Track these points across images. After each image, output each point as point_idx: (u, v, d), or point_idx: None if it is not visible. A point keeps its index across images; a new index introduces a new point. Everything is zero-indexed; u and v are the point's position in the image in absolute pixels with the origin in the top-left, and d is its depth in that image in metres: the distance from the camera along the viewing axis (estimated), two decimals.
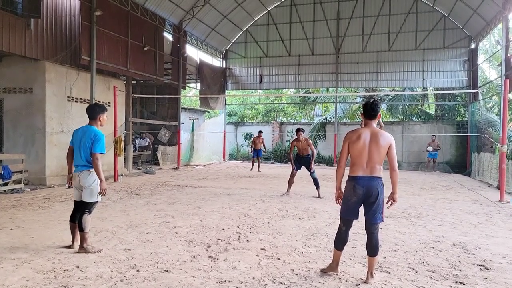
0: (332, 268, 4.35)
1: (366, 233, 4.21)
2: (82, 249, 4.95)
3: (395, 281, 4.18)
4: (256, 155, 17.44)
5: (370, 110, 4.16)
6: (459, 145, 20.25)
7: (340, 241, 4.28)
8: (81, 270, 4.33)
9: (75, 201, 5.24)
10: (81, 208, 5.08)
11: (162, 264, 4.56)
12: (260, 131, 18.17)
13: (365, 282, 4.09)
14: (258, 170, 16.90)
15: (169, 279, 4.10)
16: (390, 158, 4.10)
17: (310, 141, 10.21)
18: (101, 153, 5.05)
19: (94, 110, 5.20)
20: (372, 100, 4.23)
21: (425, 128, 21.14)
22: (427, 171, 18.64)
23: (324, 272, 4.36)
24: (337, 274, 4.29)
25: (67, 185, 11.35)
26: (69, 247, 5.17)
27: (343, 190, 4.29)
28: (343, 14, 21.73)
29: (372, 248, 4.11)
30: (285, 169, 18.30)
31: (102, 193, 5.07)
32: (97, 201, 5.13)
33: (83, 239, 4.98)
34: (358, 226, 6.57)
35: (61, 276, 4.14)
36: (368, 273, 4.15)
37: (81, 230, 4.97)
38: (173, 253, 5.01)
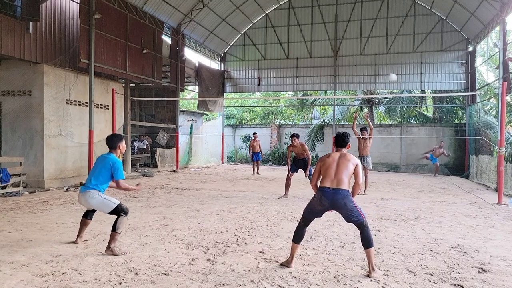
0: (288, 262, 4.67)
1: (358, 230, 4.57)
2: (109, 250, 4.98)
3: (394, 283, 4.19)
4: (256, 158, 17.25)
5: (341, 140, 4.76)
6: (457, 148, 20.28)
7: (298, 235, 4.69)
8: (79, 273, 4.33)
9: None
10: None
11: (160, 267, 4.56)
12: (255, 133, 17.94)
13: (368, 276, 4.38)
14: (258, 173, 16.83)
15: (168, 282, 4.10)
16: (355, 174, 4.56)
17: (306, 146, 10.33)
18: (122, 179, 5.30)
19: (113, 141, 5.42)
20: (342, 132, 4.84)
21: (423, 131, 21.18)
22: (427, 174, 18.20)
23: (282, 265, 4.68)
24: (289, 267, 4.58)
25: (65, 188, 11.36)
26: (73, 242, 5.40)
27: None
28: (341, 17, 21.79)
29: (365, 241, 4.46)
30: (283, 171, 18.28)
31: (137, 189, 5.50)
32: (119, 203, 5.22)
33: (112, 239, 5.05)
34: (357, 229, 6.59)
35: (60, 280, 4.14)
36: (369, 267, 4.44)
37: (114, 229, 5.07)
38: (172, 256, 5.01)
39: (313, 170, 10.06)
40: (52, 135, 11.99)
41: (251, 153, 17.64)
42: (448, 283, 4.21)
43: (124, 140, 5.52)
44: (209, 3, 18.83)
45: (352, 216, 4.46)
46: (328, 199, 4.46)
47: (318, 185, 4.64)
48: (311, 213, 4.65)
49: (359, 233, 4.52)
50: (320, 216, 4.70)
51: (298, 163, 10.27)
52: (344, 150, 4.72)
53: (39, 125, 11.68)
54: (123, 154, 14.34)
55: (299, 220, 4.83)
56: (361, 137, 11.04)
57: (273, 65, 23.21)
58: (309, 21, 22.37)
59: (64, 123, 12.47)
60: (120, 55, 14.44)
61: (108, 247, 5.00)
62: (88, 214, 5.54)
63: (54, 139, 12.09)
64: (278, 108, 32.45)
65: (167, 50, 18.34)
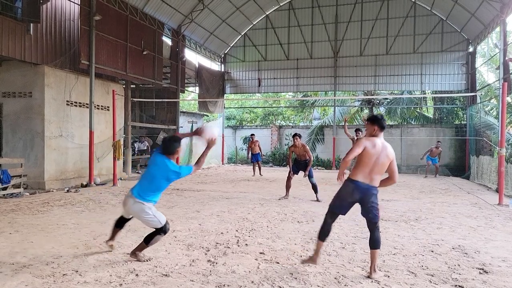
0: (313, 259, 4.68)
1: (368, 230, 4.56)
2: (134, 255, 4.81)
3: (394, 285, 4.18)
4: (256, 159, 17.03)
5: (383, 121, 4.63)
6: (457, 148, 20.27)
7: (324, 232, 4.67)
8: (80, 274, 4.33)
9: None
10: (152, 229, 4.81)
11: (161, 268, 4.56)
12: (252, 134, 17.54)
13: (368, 277, 4.38)
14: (260, 174, 16.68)
15: (168, 283, 4.10)
16: (391, 170, 4.59)
17: (307, 147, 10.23)
18: (194, 167, 4.82)
19: (173, 146, 4.68)
20: (379, 114, 4.77)
21: (423, 132, 21.18)
22: (429, 175, 17.37)
23: (305, 262, 4.73)
24: (315, 266, 4.67)
25: (66, 189, 11.36)
26: (106, 242, 5.23)
27: (346, 174, 4.67)
28: (341, 18, 21.81)
29: (373, 241, 4.46)
30: (284, 172, 18.23)
31: (211, 142, 4.84)
32: (165, 222, 4.79)
33: (140, 247, 4.80)
34: (357, 230, 6.58)
35: (60, 281, 4.14)
36: (371, 268, 4.44)
37: (146, 242, 4.75)
38: (172, 257, 5.01)
39: (313, 171, 10.13)
40: (52, 136, 12.00)
41: (250, 154, 17.43)
42: (449, 284, 4.21)
43: (180, 143, 4.79)
44: (209, 4, 18.86)
45: (370, 213, 4.48)
46: (360, 193, 4.46)
47: (352, 177, 4.52)
48: (339, 206, 4.62)
49: (370, 233, 4.51)
50: (347, 211, 4.63)
51: (299, 164, 10.21)
52: (382, 135, 4.61)
53: (40, 127, 11.69)
54: (123, 155, 14.35)
55: (325, 215, 4.75)
56: (356, 138, 10.96)
57: (274, 66, 23.22)
58: (310, 22, 22.39)
59: (65, 124, 12.48)
60: (120, 57, 14.45)
61: (133, 253, 4.80)
62: (121, 224, 5.11)
63: (55, 140, 12.10)
64: (278, 109, 32.43)
65: (167, 51, 18.36)
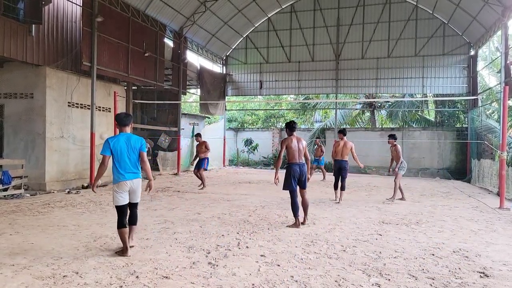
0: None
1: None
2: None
3: None
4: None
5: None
6: (459, 152, 20.24)
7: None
8: (80, 276, 4.33)
9: (122, 205, 5.36)
10: (133, 208, 5.61)
11: (161, 271, 4.55)
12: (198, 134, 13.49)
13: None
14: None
15: (169, 286, 4.10)
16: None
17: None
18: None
19: (128, 118, 5.65)
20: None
21: (425, 135, 21.14)
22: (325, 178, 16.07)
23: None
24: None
25: (67, 190, 11.36)
26: (122, 253, 5.15)
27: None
28: (343, 21, 21.81)
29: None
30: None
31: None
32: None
33: (133, 232, 5.57)
34: (358, 233, 6.58)
35: (60, 282, 4.14)
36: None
37: (136, 223, 5.64)
38: (173, 259, 5.01)
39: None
40: (54, 137, 12.02)
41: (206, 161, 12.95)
42: None
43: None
44: (212, 6, 18.89)
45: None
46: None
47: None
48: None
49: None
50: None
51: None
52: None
53: (41, 128, 11.71)
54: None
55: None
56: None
57: (275, 68, 23.23)
58: (311, 24, 22.41)
59: (66, 126, 12.50)
60: (122, 58, 14.47)
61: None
62: (125, 220, 5.40)
63: (56, 141, 12.11)
64: (280, 112, 32.47)
65: (169, 53, 18.39)
